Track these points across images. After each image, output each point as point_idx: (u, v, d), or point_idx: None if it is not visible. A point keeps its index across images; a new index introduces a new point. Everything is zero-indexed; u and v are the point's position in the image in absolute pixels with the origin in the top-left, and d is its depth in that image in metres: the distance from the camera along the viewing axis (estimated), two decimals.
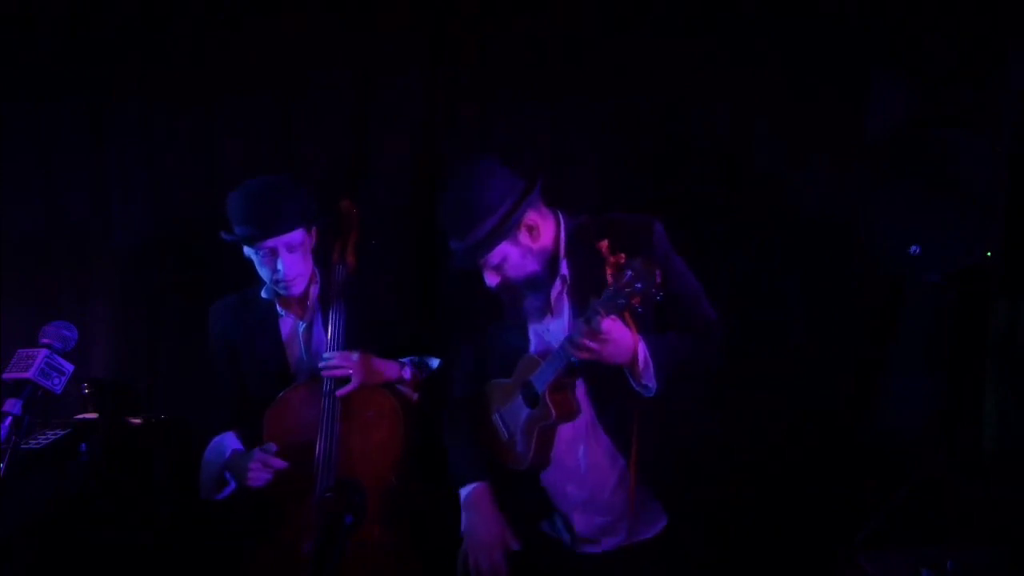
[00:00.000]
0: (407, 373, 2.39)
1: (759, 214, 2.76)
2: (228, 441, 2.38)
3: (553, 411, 2.01)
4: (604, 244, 1.83)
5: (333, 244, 2.45)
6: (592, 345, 1.87)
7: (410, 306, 2.81)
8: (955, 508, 2.42)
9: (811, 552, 2.53)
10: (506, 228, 2.02)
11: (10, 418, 1.76)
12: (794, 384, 2.71)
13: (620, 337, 1.89)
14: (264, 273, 2.35)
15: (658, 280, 1.76)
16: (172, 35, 3.05)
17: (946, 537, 2.36)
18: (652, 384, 1.94)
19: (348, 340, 2.36)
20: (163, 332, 3.14)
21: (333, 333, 2.36)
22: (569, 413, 2.04)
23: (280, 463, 2.25)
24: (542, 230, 2.09)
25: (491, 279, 2.09)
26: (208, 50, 3.05)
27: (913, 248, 2.48)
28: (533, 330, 2.17)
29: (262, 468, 2.24)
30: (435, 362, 2.46)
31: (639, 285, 1.76)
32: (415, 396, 2.40)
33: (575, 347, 1.89)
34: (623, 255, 1.80)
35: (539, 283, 2.10)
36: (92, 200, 3.13)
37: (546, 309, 2.14)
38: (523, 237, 2.06)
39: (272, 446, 2.27)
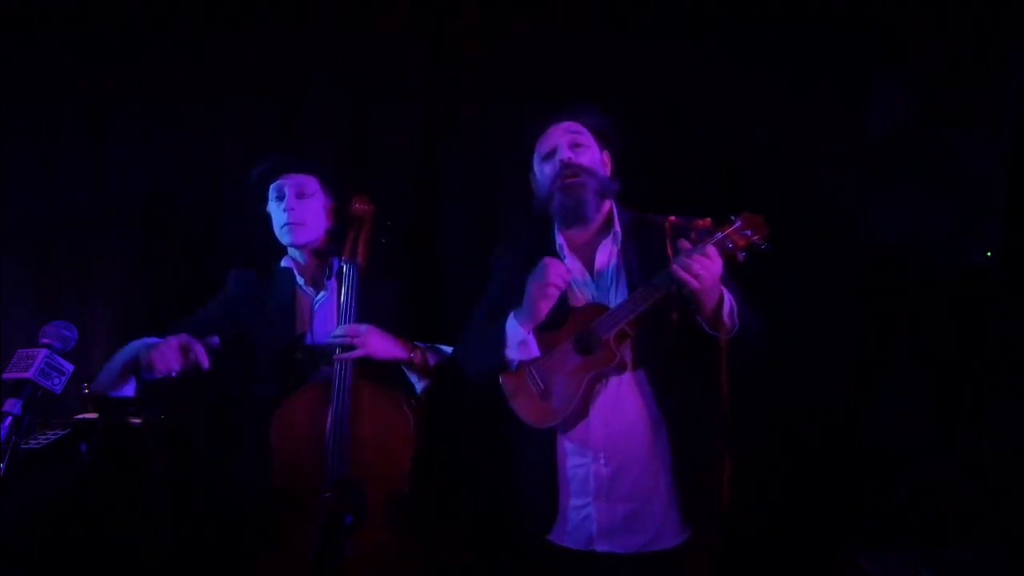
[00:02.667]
0: (417, 356, 2.37)
1: (759, 214, 2.76)
2: (147, 340, 2.31)
3: (617, 353, 2.00)
4: (672, 218, 1.93)
5: (345, 239, 2.44)
6: (699, 270, 1.85)
7: (415, 304, 2.80)
8: (955, 508, 2.42)
9: (811, 552, 2.53)
10: (595, 122, 2.20)
11: (10, 418, 1.76)
12: (794, 384, 2.71)
13: (718, 271, 1.88)
14: (277, 221, 2.43)
15: (767, 233, 1.79)
16: (172, 35, 3.06)
17: (946, 537, 2.35)
18: (734, 324, 1.94)
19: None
20: (163, 332, 3.14)
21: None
22: (623, 364, 2.04)
23: (202, 352, 2.14)
24: (609, 172, 2.24)
25: (565, 151, 2.16)
26: (208, 50, 3.05)
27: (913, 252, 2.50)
28: (575, 283, 2.16)
29: (177, 350, 2.14)
30: (448, 349, 2.44)
31: (749, 232, 1.80)
32: (422, 383, 2.39)
33: (684, 268, 1.86)
34: (708, 219, 1.86)
35: (597, 197, 2.16)
36: (92, 200, 3.13)
37: (592, 245, 2.18)
38: (604, 152, 2.22)
39: (215, 339, 2.21)
